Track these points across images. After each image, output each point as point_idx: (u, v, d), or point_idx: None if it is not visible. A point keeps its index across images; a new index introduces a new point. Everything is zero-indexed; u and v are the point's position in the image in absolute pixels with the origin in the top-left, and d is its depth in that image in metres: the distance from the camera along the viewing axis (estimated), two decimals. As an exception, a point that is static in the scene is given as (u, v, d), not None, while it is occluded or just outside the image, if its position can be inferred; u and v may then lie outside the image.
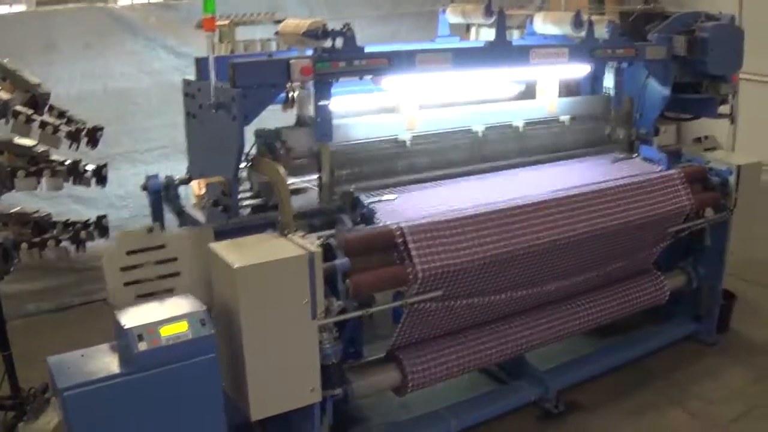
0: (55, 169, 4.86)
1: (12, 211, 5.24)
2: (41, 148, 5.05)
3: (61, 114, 5.07)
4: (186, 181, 5.32)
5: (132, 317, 3.85)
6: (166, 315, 3.90)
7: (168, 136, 7.93)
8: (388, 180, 5.34)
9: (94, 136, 5.03)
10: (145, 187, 5.27)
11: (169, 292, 4.43)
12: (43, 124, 4.87)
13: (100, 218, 5.09)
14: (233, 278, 4.02)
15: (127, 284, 4.44)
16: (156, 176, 5.31)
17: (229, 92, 4.42)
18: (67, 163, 4.99)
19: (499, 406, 5.65)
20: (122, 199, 7.78)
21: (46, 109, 5.04)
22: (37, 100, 5.02)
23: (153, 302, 4.06)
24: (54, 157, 5.09)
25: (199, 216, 5.00)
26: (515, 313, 5.40)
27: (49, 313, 7.91)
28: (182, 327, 3.88)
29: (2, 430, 5.46)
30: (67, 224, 5.20)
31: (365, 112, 5.50)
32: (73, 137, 4.93)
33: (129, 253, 4.45)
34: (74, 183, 4.97)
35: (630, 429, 5.66)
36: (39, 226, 5.20)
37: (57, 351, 6.10)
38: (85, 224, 5.13)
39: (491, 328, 5.29)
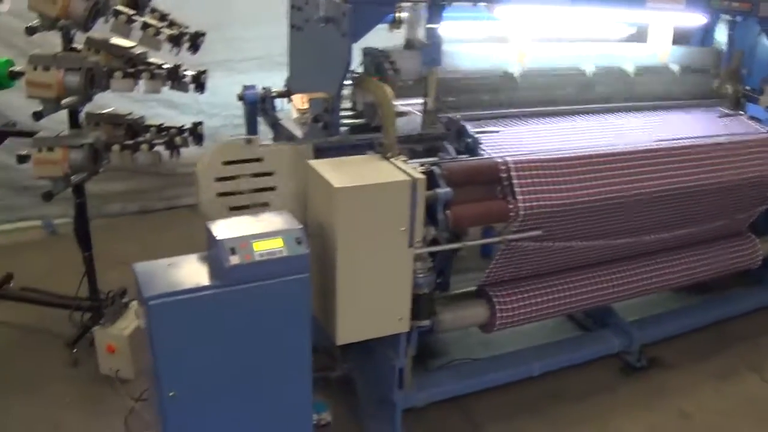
0: (153, 72, 4.65)
1: (104, 111, 5.11)
2: (139, 50, 4.88)
3: (163, 17, 4.92)
4: (283, 94, 5.14)
5: (225, 229, 3.61)
6: (260, 230, 3.66)
7: (264, 47, 7.74)
8: (493, 111, 5.06)
9: (195, 42, 4.84)
10: (241, 97, 5.11)
11: (263, 207, 4.23)
12: (145, 26, 4.69)
13: (196, 125, 4.92)
14: (333, 198, 3.79)
15: (220, 195, 4.24)
16: (253, 87, 5.14)
17: (340, 7, 4.15)
18: (166, 66, 4.78)
19: (582, 353, 5.40)
20: (213, 107, 7.60)
21: (148, 10, 4.87)
22: (138, 1, 4.85)
23: (247, 216, 3.83)
24: (151, 59, 4.89)
25: (296, 130, 4.81)
26: (610, 261, 5.11)
27: (132, 215, 7.87)
28: (277, 243, 3.64)
29: (78, 331, 5.32)
30: (160, 129, 5.05)
31: (474, 39, 5.26)
32: (175, 41, 4.74)
33: (225, 163, 4.22)
34: (172, 88, 4.80)
35: (709, 390, 5.43)
36: (131, 129, 5.05)
37: (137, 254, 6.03)
38: (180, 130, 4.95)
39: (585, 273, 5.01)
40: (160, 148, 4.72)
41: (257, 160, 4.27)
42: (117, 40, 4.82)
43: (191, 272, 3.66)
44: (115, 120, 5.02)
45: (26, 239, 7.34)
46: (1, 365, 5.33)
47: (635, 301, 5.58)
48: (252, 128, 5.36)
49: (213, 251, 3.63)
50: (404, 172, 4.00)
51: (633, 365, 5.58)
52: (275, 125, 5.11)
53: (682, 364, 5.69)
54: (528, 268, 4.79)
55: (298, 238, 3.68)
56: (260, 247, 3.60)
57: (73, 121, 4.98)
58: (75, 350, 5.33)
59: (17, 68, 4.85)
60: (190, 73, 4.79)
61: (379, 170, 4.04)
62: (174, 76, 4.70)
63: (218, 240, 3.58)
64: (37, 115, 4.52)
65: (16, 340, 5.68)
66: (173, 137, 4.71)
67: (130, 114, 5.02)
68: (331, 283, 3.93)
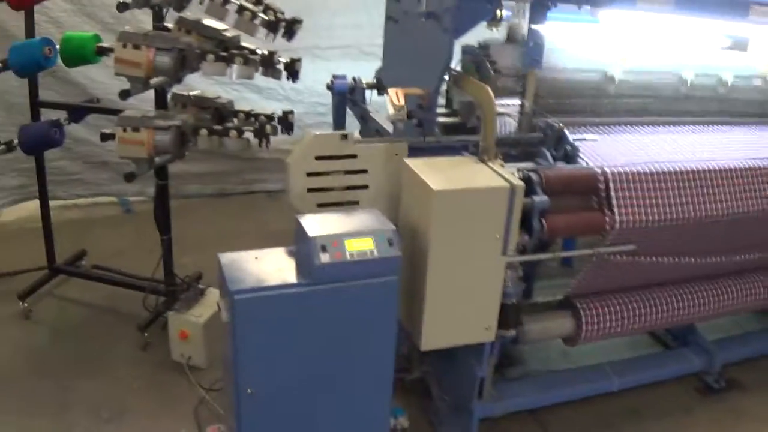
0: (247, 58, 4.50)
1: (192, 93, 4.96)
2: (231, 33, 4.73)
3: (258, 1, 4.70)
4: (374, 86, 5.02)
5: (316, 226, 3.48)
6: (352, 228, 3.53)
7: (352, 35, 7.63)
8: (591, 118, 4.87)
9: (291, 28, 4.69)
10: (329, 87, 4.99)
11: (353, 205, 4.11)
12: (241, 9, 4.55)
13: (287, 114, 4.77)
14: (430, 201, 3.62)
15: (310, 190, 4.09)
16: (343, 77, 5.02)
17: (443, 2, 3.98)
18: (260, 52, 4.66)
19: (663, 371, 5.22)
20: (298, 93, 7.45)
21: (244, -6, 4.65)
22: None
23: (338, 213, 3.70)
24: (244, 43, 4.76)
25: (387, 125, 4.63)
26: (701, 278, 4.90)
27: (208, 198, 7.77)
28: (368, 243, 3.50)
29: (151, 315, 5.22)
30: (249, 115, 4.89)
31: (574, 41, 4.99)
32: (271, 27, 4.60)
33: (318, 158, 4.08)
34: (265, 74, 4.63)
35: (786, 417, 5.15)
36: (218, 113, 4.90)
37: (213, 239, 5.98)
38: (270, 118, 4.79)
39: (672, 289, 4.79)
40: (249, 135, 4.54)
41: (351, 156, 4.12)
42: (209, 22, 4.67)
43: (278, 267, 3.52)
44: (202, 103, 4.87)
45: (100, 215, 7.32)
46: (70, 344, 5.27)
47: (716, 320, 5.36)
48: (339, 119, 5.23)
49: (302, 247, 3.50)
50: (503, 177, 3.83)
51: (711, 386, 5.36)
52: (364, 118, 4.97)
53: (760, 388, 5.46)
54: (617, 281, 4.60)
55: (390, 239, 3.53)
56: (352, 247, 3.47)
57: (160, 101, 4.89)
58: (146, 334, 5.23)
59: (105, 44, 4.74)
60: (283, 60, 4.60)
61: (476, 174, 3.88)
62: (268, 63, 4.53)
63: (310, 236, 3.44)
64: (125, 94, 4.41)
65: (85, 319, 5.61)
66: (264, 125, 4.53)
67: (218, 98, 4.88)
68: (419, 288, 3.79)
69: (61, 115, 5.42)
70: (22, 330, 5.42)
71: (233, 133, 4.55)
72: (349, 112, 5.11)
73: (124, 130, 4.53)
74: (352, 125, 5.09)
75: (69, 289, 5.88)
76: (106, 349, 5.15)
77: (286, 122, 4.75)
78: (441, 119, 4.51)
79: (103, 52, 4.74)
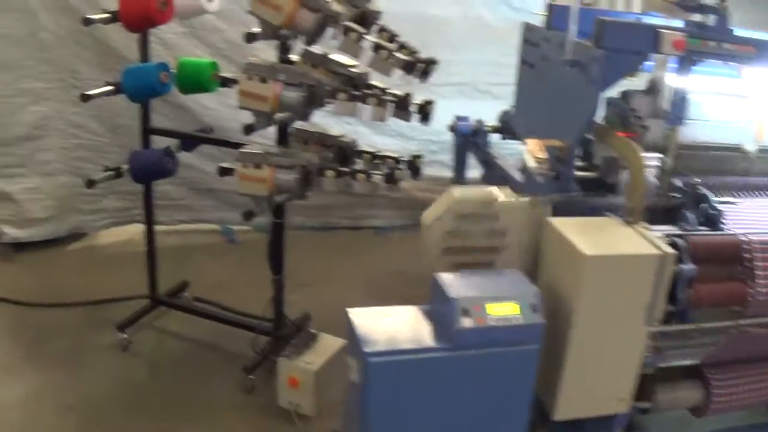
0: (381, 98, 4.30)
1: (314, 130, 4.76)
2: (360, 70, 4.52)
3: (392, 37, 4.53)
4: (498, 130, 4.95)
5: (456, 287, 3.32)
6: (494, 292, 3.35)
7: (469, 72, 7.43)
8: (728, 178, 4.53)
9: (427, 69, 4.44)
10: (452, 128, 4.91)
11: (489, 266, 3.88)
12: (378, 48, 4.34)
13: (415, 158, 4.60)
14: (581, 266, 3.41)
15: (446, 251, 3.87)
16: (466, 118, 4.93)
17: (590, 52, 3.72)
18: (392, 92, 4.46)
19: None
20: (412, 130, 7.22)
21: (376, 29, 4.51)
22: (367, 18, 4.49)
23: (478, 274, 3.53)
24: (374, 82, 4.55)
25: (513, 173, 4.47)
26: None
27: (313, 231, 7.55)
28: (512, 309, 3.31)
29: (259, 357, 5.05)
30: (374, 156, 4.70)
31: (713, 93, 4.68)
32: (408, 67, 4.38)
33: (457, 217, 3.87)
34: (396, 116, 4.43)
35: None
36: (342, 152, 4.70)
37: (320, 276, 5.98)
38: (397, 160, 4.62)
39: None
40: (377, 178, 4.37)
41: (492, 216, 3.88)
42: (337, 57, 4.48)
43: (413, 328, 3.35)
44: (325, 141, 4.68)
45: (202, 243, 7.17)
46: (169, 381, 5.08)
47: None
48: (460, 162, 5.15)
49: (441, 309, 3.32)
50: (652, 243, 3.59)
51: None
52: (488, 163, 4.80)
53: None
54: (752, 352, 4.28)
55: (533, 305, 3.34)
56: (494, 311, 3.29)
57: (282, 137, 4.69)
58: (252, 376, 5.00)
59: (227, 75, 4.63)
60: (416, 101, 4.40)
61: (626, 239, 3.64)
62: (403, 105, 4.32)
63: (451, 299, 3.26)
64: (249, 129, 4.28)
65: (186, 355, 5.43)
66: (393, 170, 4.34)
67: (342, 135, 4.69)
68: (558, 355, 3.58)
69: (172, 142, 5.32)
70: (120, 362, 5.26)
71: (361, 176, 4.37)
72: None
73: (245, 166, 4.40)
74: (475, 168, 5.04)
75: (170, 322, 5.68)
76: (207, 389, 4.95)
77: (413, 167, 4.56)
78: (578, 173, 4.24)
79: (226, 82, 4.61)
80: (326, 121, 6.12)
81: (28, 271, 6.38)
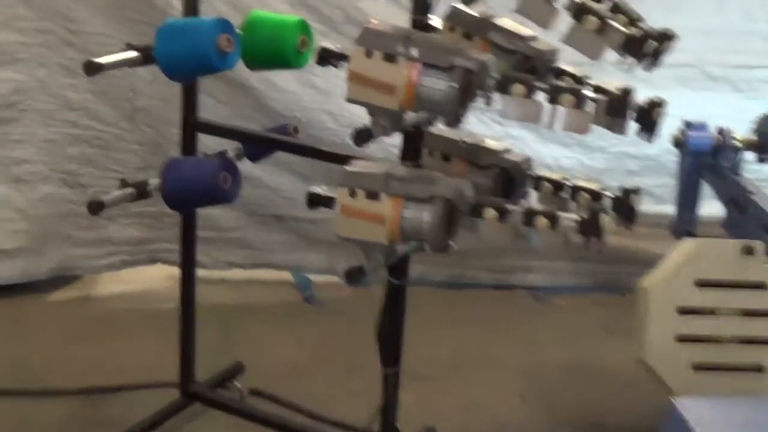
0: (580, 95, 4.06)
1: (459, 138, 4.58)
2: (545, 47, 4.33)
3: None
4: (755, 145, 4.86)
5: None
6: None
7: (693, 48, 7.00)
8: None
9: (659, 50, 4.35)
10: (678, 141, 4.89)
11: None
12: (583, 10, 4.12)
13: (629, 192, 4.33)
14: None
15: (682, 339, 3.74)
16: (702, 126, 4.90)
17: None
18: (596, 84, 4.27)
19: None
20: (599, 137, 6.96)
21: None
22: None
23: (743, 400, 3.42)
24: (565, 67, 4.39)
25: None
26: None
27: (437, 288, 7.39)
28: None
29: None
30: (558, 185, 4.52)
31: None
32: (632, 46, 4.20)
33: (698, 284, 3.74)
34: (602, 124, 4.20)
35: None
36: (507, 176, 4.52)
37: (445, 361, 6.19)
38: (596, 194, 4.42)
39: None
40: (567, 223, 4.14)
41: (757, 286, 3.73)
42: (507, 23, 4.26)
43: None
44: (478, 157, 4.49)
45: (264, 301, 6.98)
46: None
47: None
48: (690, 196, 5.12)
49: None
50: None
51: None
52: (736, 200, 4.67)
53: None
54: None
55: None
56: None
57: (412, 150, 4.45)
58: None
59: (330, 46, 4.31)
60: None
61: None
62: (618, 109, 4.03)
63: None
64: (363, 137, 3.98)
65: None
66: (596, 214, 4.02)
67: (506, 150, 4.48)
68: None
69: (230, 144, 5.15)
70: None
71: (542, 220, 4.10)
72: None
73: (352, 195, 4.11)
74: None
75: (212, 426, 5.53)
76: None
77: (625, 207, 4.31)
78: None
79: (324, 57, 4.33)
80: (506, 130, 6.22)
81: (-16, 333, 6.19)
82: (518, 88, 4.06)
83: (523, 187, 4.58)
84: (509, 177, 4.54)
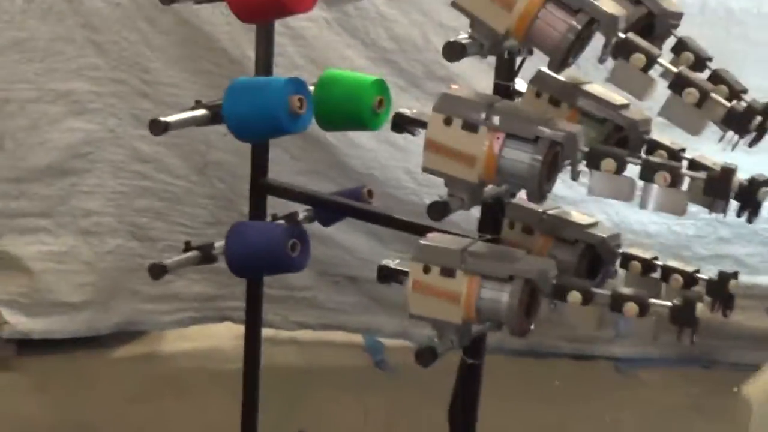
0: (676, 172, 3.76)
1: (545, 210, 4.37)
2: (639, 116, 4.14)
3: (699, 62, 4.11)
4: None
5: None
6: None
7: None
8: None
9: (765, 125, 3.93)
10: None
11: None
12: (682, 82, 3.84)
13: (728, 278, 4.09)
14: None
15: None
16: None
17: None
18: (694, 159, 4.07)
19: None
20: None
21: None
22: (656, 25, 4.09)
23: None
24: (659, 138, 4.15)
25: None
26: None
27: (512, 357, 7.16)
28: None
29: None
30: (649, 264, 4.30)
31: None
32: (739, 122, 3.92)
33: None
34: (699, 202, 3.92)
35: None
36: (593, 252, 4.30)
37: (527, 425, 6.04)
38: (691, 279, 4.22)
39: None
40: (658, 308, 3.87)
41: None
42: (598, 89, 4.09)
43: None
44: (564, 231, 4.30)
45: (334, 365, 6.86)
46: None
47: None
48: None
49: None
50: None
51: None
52: None
53: None
54: None
55: None
56: None
57: (492, 221, 4.28)
58: None
59: (405, 111, 4.15)
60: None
61: None
62: (719, 188, 3.80)
63: None
64: (439, 210, 3.77)
65: None
66: (691, 303, 3.74)
67: (594, 224, 4.31)
68: None
69: (301, 206, 5.03)
70: None
71: (631, 305, 3.80)
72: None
73: (426, 271, 3.89)
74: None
75: None
76: None
77: (722, 294, 4.06)
78: None
79: (403, 124, 4.17)
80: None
81: (39, 390, 6.12)
82: (608, 163, 3.82)
83: (610, 265, 4.37)
84: (595, 254, 4.34)
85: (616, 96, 4.14)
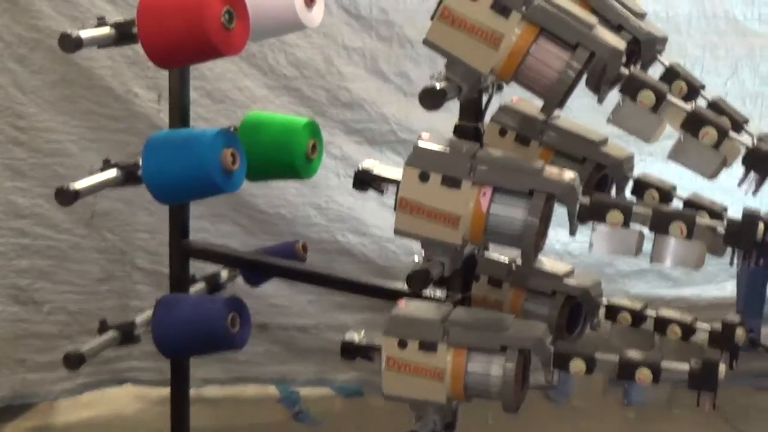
0: (690, 222, 3.45)
1: (512, 260, 4.02)
2: (618, 154, 3.84)
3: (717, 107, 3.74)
4: None
5: None
6: None
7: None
8: None
9: None
10: None
11: None
12: (698, 121, 3.48)
13: (732, 326, 3.84)
14: None
15: None
16: None
17: None
18: (710, 207, 3.74)
19: None
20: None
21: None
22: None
23: None
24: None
25: None
26: None
27: None
28: None
29: None
30: (639, 316, 3.98)
31: None
32: (756, 163, 3.54)
33: None
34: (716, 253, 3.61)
35: None
36: (572, 302, 3.97)
37: None
38: (689, 329, 3.90)
39: None
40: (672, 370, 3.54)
41: None
42: (569, 123, 3.81)
43: None
44: (537, 282, 3.96)
45: (248, 423, 6.48)
46: None
47: None
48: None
49: None
50: None
51: None
52: None
53: None
54: None
55: None
56: None
57: (463, 278, 3.93)
58: None
59: (370, 167, 3.77)
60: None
61: None
62: (741, 241, 3.47)
63: None
64: (422, 281, 3.40)
65: None
66: (712, 365, 3.47)
67: (569, 274, 3.94)
68: None
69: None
70: None
71: (644, 372, 3.46)
72: None
73: (402, 345, 3.50)
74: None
75: None
76: None
77: (727, 343, 3.85)
78: None
79: (368, 182, 3.76)
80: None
81: None
82: (615, 216, 3.50)
83: (593, 317, 4.05)
84: (575, 305, 4.00)
85: (593, 131, 3.88)
